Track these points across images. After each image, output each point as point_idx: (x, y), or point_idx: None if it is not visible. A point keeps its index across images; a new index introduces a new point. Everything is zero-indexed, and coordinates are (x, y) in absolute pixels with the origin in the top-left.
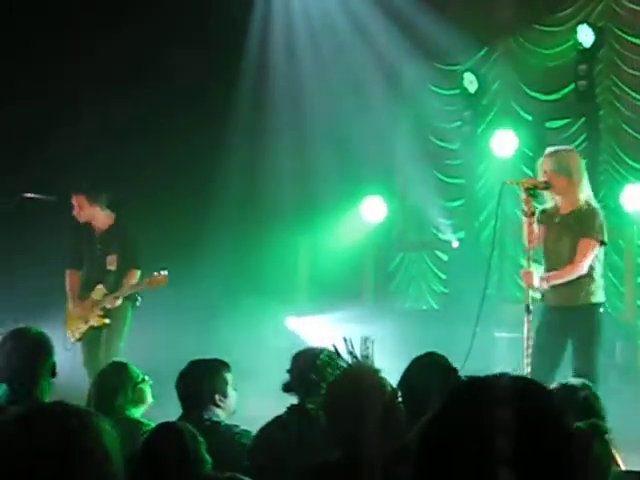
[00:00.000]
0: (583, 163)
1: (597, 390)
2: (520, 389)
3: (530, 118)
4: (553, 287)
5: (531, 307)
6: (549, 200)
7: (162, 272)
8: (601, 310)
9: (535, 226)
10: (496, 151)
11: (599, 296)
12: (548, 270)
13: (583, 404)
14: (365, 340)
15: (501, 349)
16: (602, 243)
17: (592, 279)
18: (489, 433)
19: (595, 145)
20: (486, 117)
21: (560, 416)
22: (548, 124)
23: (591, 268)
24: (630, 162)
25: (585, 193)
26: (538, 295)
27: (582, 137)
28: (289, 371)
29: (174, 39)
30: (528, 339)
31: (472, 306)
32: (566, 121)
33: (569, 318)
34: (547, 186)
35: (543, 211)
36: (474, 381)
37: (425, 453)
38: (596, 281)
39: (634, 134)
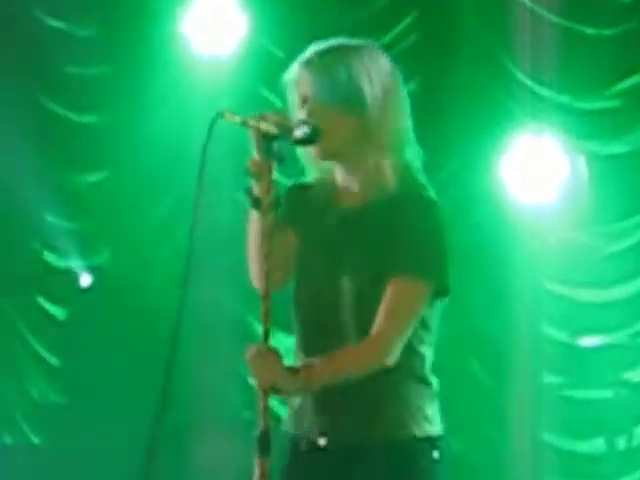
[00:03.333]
0: (404, 87)
1: None
2: None
3: None
4: (324, 395)
5: (270, 438)
6: (312, 171)
7: None
8: (436, 455)
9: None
10: (197, 48)
11: (435, 419)
12: (304, 343)
13: None
14: None
15: None
16: (442, 293)
17: (414, 377)
18: None
19: (445, 47)
20: None
21: None
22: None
23: (413, 351)
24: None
25: (404, 160)
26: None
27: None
28: None
29: None
30: None
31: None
32: None
33: (355, 475)
34: (313, 134)
35: (295, 195)
36: None
37: None
38: (425, 380)
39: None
